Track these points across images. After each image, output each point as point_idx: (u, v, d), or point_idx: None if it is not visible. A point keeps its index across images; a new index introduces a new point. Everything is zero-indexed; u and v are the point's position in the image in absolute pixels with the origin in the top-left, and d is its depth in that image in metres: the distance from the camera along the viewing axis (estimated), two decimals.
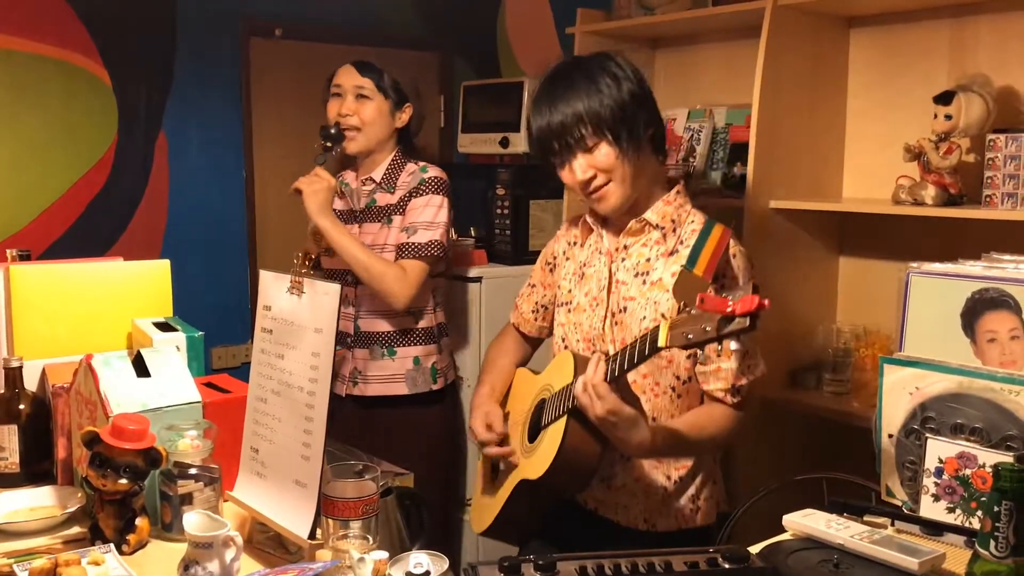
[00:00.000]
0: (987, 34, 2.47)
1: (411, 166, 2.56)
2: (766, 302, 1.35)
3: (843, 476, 2.05)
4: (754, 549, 1.41)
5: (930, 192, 2.31)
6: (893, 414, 1.61)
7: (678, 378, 1.83)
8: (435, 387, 2.60)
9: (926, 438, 1.55)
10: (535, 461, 1.80)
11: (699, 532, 1.90)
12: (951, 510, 1.52)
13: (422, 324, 2.58)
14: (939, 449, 1.53)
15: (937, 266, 1.66)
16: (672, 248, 1.83)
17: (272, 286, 1.54)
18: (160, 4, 3.31)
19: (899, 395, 1.60)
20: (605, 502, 1.90)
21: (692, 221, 1.85)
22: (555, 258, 2.07)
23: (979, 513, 1.46)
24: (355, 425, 2.54)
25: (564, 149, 1.80)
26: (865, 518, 1.51)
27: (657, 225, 1.84)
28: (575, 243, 2.01)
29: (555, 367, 1.88)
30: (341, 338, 2.55)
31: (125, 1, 3.23)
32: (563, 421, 1.72)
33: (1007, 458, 1.41)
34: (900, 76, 2.65)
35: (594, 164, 1.79)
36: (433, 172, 2.53)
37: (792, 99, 2.63)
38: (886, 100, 2.69)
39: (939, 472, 1.53)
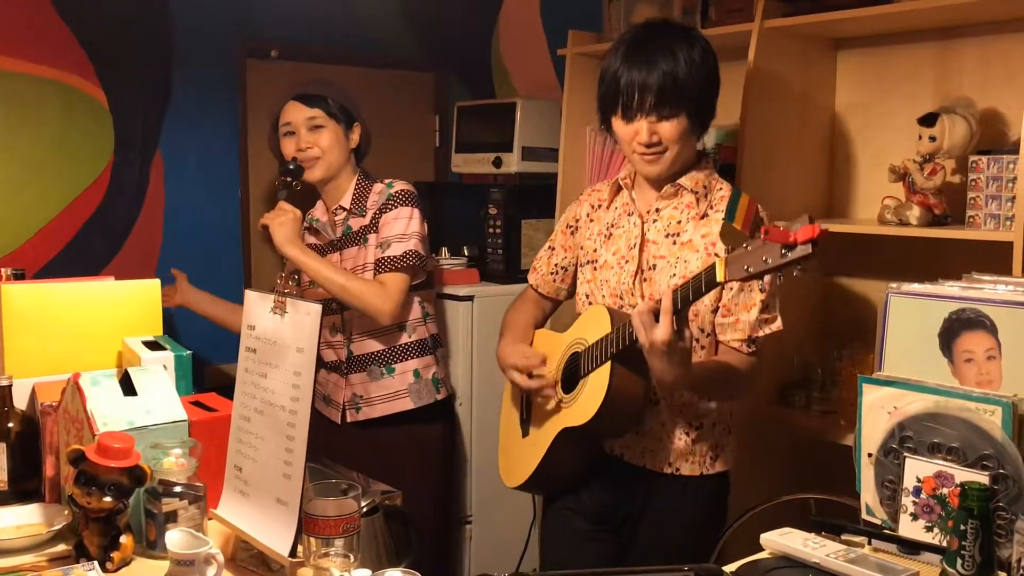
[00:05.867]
0: (971, 57, 2.49)
1: (377, 185, 2.58)
2: (828, 228, 1.43)
3: (829, 496, 2.06)
4: (731, 568, 1.42)
5: (915, 213, 2.33)
6: (872, 433, 1.62)
7: (702, 331, 1.92)
8: (439, 397, 2.61)
9: (904, 457, 1.56)
10: (578, 409, 1.88)
11: (719, 476, 2.01)
12: (929, 529, 1.53)
13: (414, 337, 2.59)
14: (917, 468, 1.54)
15: (916, 286, 1.68)
16: (703, 212, 1.94)
17: (256, 305, 1.56)
18: (157, 25, 3.34)
19: (878, 414, 1.61)
20: (632, 448, 1.97)
21: (720, 188, 1.98)
22: (577, 221, 2.15)
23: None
24: (355, 449, 2.52)
25: (640, 107, 1.86)
26: (843, 537, 1.53)
27: (691, 190, 1.95)
28: (599, 206, 2.10)
29: (587, 321, 1.96)
30: (335, 366, 2.56)
31: (122, 22, 3.26)
32: (607, 366, 1.81)
33: (982, 477, 1.43)
34: (887, 98, 2.68)
35: (660, 131, 1.88)
36: (400, 186, 2.55)
37: (779, 120, 2.65)
38: (873, 121, 2.72)
39: (917, 491, 1.54)
